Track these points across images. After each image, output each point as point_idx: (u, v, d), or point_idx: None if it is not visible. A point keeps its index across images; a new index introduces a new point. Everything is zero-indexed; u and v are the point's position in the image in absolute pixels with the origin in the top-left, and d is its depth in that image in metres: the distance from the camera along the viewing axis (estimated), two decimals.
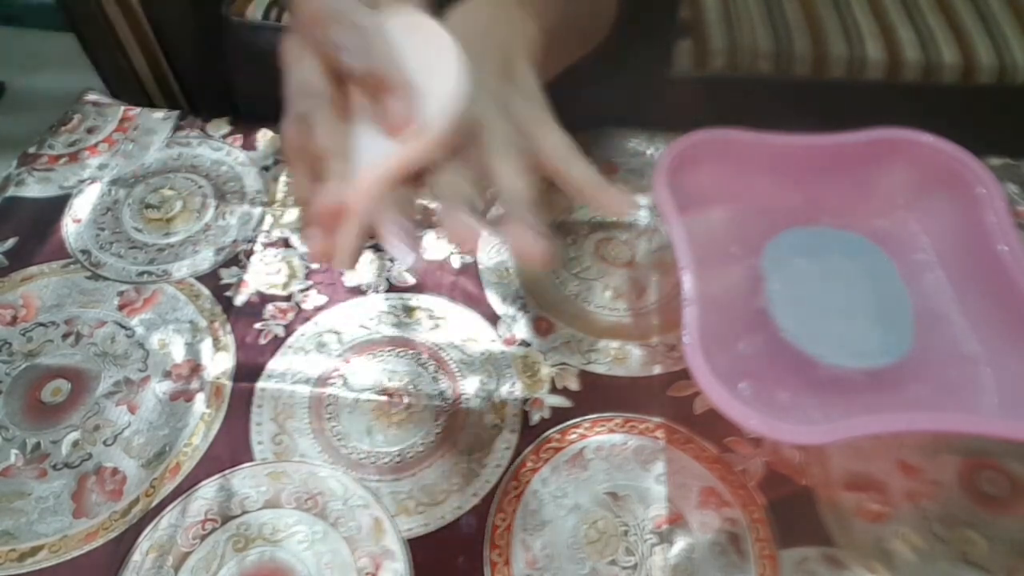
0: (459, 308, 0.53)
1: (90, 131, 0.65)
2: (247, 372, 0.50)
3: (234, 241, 0.57)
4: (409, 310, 0.53)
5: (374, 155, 0.32)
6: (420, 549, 0.43)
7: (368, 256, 0.56)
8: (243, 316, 0.53)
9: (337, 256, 0.32)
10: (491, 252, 0.56)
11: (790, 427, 0.39)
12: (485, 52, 0.36)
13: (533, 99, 0.36)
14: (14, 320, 0.53)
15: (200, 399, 0.48)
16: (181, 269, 0.55)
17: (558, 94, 0.37)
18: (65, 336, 0.52)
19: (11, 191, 0.60)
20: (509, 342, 0.51)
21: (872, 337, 0.47)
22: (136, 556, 0.42)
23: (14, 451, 0.47)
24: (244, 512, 0.44)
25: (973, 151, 0.49)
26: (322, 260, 0.32)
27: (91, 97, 0.68)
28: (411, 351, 0.51)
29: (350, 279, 0.55)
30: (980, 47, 0.93)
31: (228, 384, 0.49)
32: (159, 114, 0.66)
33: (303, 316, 0.53)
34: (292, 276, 0.55)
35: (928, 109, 0.57)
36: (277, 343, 0.51)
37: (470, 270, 0.55)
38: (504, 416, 0.48)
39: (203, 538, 0.43)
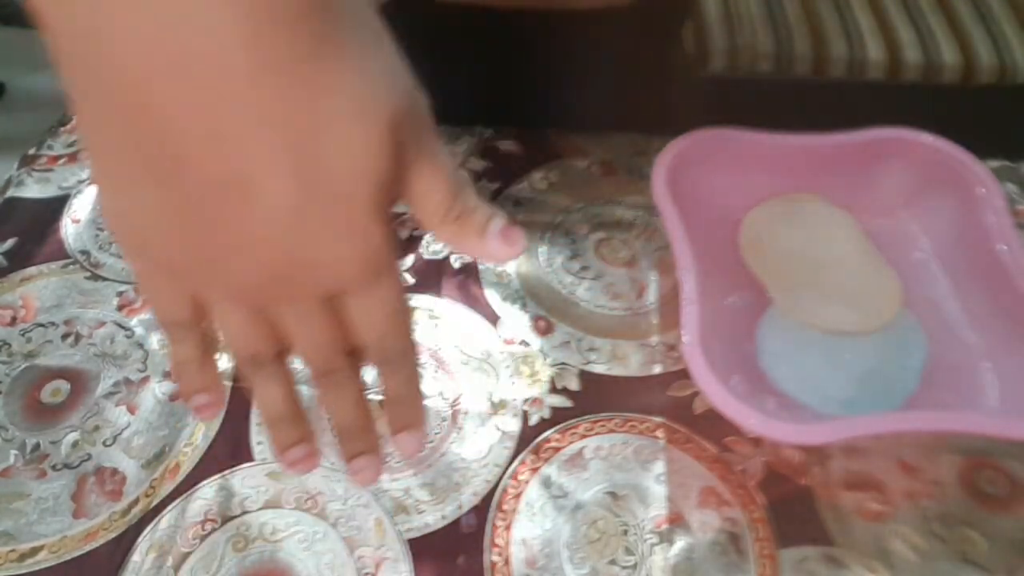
0: (459, 308, 0.53)
1: None
2: None
3: None
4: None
5: None
6: (420, 549, 0.42)
7: None
8: None
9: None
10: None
11: (790, 427, 0.39)
12: None
13: None
14: (13, 321, 0.53)
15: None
16: None
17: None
18: (64, 336, 0.52)
19: (11, 192, 0.60)
20: (509, 342, 0.51)
21: (849, 388, 0.46)
22: (136, 556, 0.42)
23: (13, 452, 0.47)
24: (244, 512, 0.44)
25: (973, 151, 0.49)
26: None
27: None
28: None
29: None
30: (980, 47, 0.93)
31: (228, 384, 0.49)
32: None
33: None
34: None
35: (928, 109, 0.57)
36: None
37: (470, 270, 0.55)
38: (504, 416, 0.48)
39: (203, 538, 0.43)
